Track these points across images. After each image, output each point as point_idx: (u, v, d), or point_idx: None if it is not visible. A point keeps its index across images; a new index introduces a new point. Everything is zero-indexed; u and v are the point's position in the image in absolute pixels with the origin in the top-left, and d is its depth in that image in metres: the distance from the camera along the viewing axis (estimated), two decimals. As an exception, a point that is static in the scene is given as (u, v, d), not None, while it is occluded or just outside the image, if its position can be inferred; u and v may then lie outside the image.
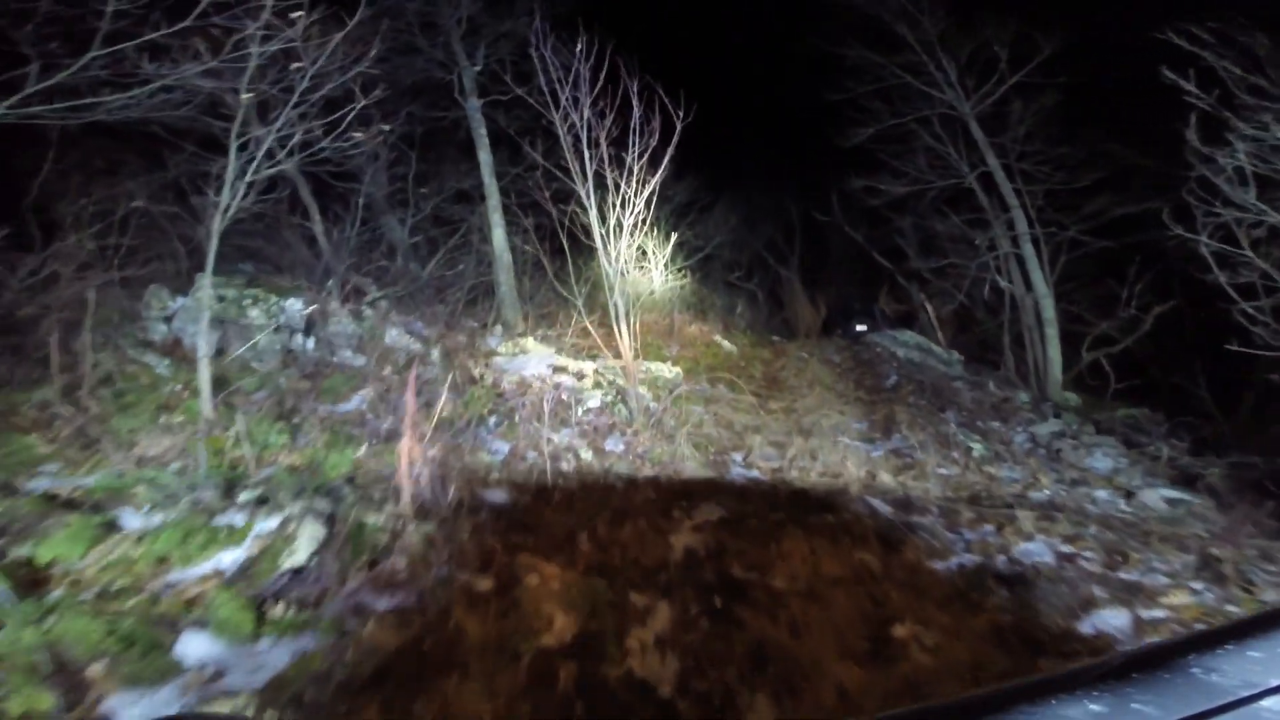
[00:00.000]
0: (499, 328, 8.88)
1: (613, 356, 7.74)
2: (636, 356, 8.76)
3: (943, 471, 7.00)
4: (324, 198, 10.06)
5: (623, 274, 6.97)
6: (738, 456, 6.56)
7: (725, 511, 4.66)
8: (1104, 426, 10.16)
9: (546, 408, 5.63)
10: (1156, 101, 11.69)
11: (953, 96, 13.55)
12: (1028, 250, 13.47)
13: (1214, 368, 10.81)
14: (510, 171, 11.44)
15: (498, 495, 4.21)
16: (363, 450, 4.61)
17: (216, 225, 4.67)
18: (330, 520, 3.37)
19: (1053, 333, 13.39)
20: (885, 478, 6.30)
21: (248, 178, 4.84)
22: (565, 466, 4.95)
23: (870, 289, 21.79)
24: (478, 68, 10.89)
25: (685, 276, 15.90)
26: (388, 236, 11.82)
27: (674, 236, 16.79)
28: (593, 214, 6.25)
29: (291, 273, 8.44)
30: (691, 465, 5.58)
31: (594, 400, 6.42)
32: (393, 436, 4.69)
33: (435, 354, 7.06)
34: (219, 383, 5.53)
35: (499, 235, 10.66)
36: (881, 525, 4.77)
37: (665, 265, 16.58)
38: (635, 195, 6.27)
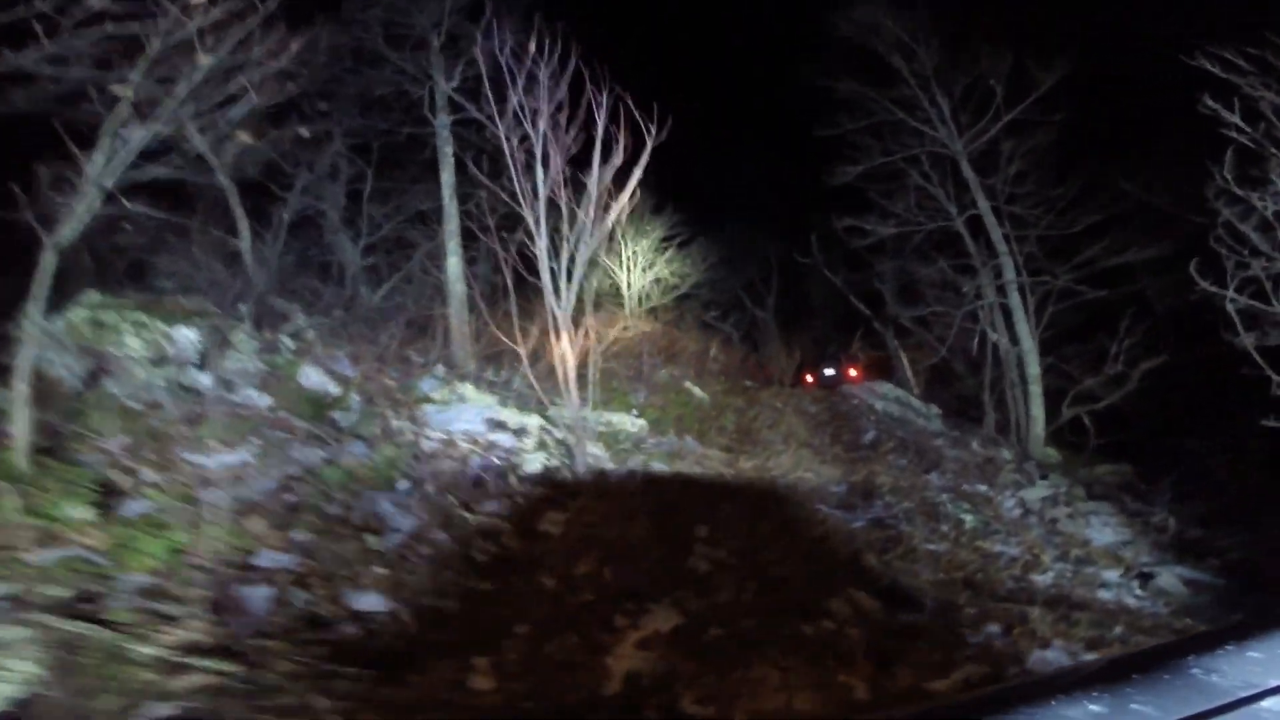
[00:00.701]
0: (440, 368, 7.94)
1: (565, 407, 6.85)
2: (595, 408, 7.89)
3: (931, 548, 6.15)
4: (266, 214, 9.12)
5: (584, 311, 6.15)
6: (704, 530, 5.67)
7: (681, 616, 3.74)
8: (1096, 490, 9.46)
9: (469, 475, 4.69)
10: (1160, 143, 11.34)
11: (945, 134, 13.06)
12: (1014, 300, 12.91)
13: (1218, 428, 10.19)
14: (476, 194, 10.58)
15: (371, 601, 3.24)
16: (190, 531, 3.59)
17: (61, 234, 3.75)
18: (72, 648, 2.38)
19: (1036, 389, 12.80)
20: (870, 559, 5.43)
21: (109, 182, 3.94)
22: (480, 556, 3.99)
23: (846, 335, 21.44)
24: (454, 84, 9.98)
25: (656, 319, 15.16)
26: (338, 257, 10.92)
27: (647, 274, 16.20)
28: (541, 245, 5.39)
29: (205, 294, 7.44)
30: (642, 549, 4.66)
31: (535, 464, 5.48)
32: (255, 509, 3.72)
33: (354, 399, 6.09)
34: (64, 430, 4.53)
35: (454, 264, 9.77)
36: (869, 632, 3.87)
37: (640, 302, 15.90)
38: (595, 224, 5.44)
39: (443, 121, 10.21)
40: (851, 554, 5.52)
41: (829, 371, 21.02)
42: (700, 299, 19.17)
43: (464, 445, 5.28)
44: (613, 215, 5.46)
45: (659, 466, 7.31)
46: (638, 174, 5.52)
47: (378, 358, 7.41)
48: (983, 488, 8.90)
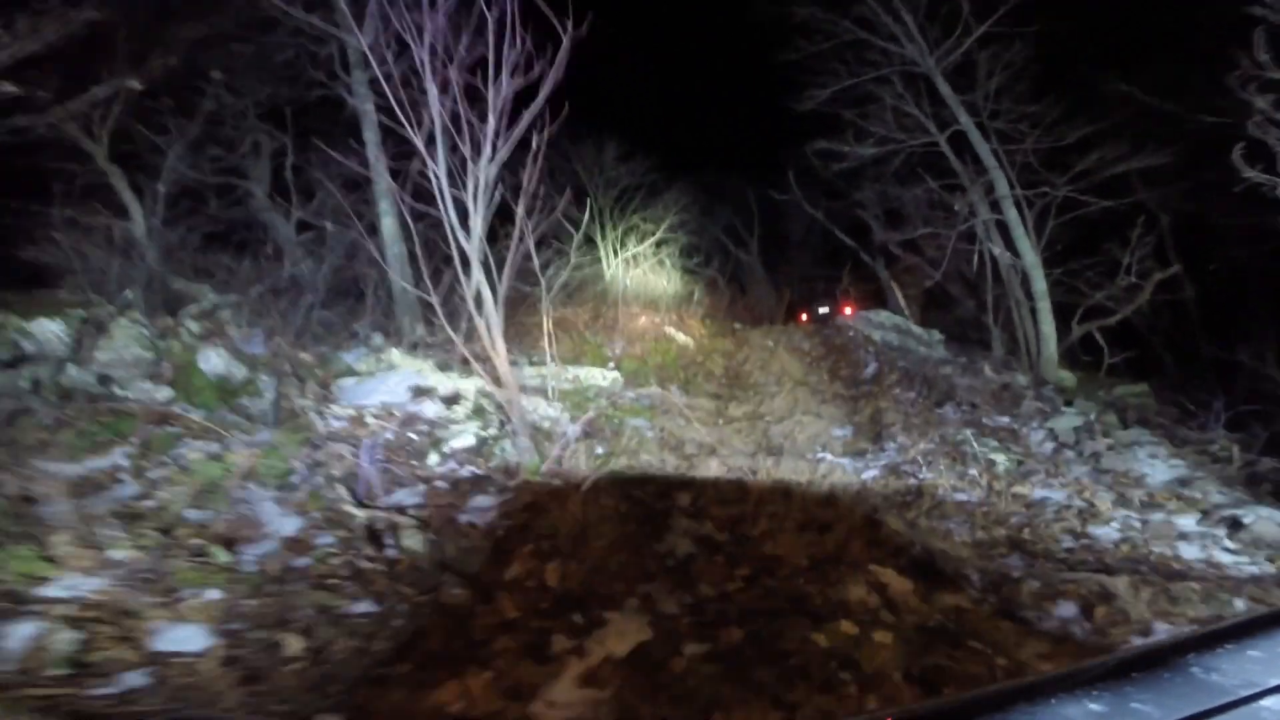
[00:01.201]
0: (378, 337, 6.87)
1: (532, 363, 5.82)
2: (556, 362, 6.85)
3: (962, 498, 5.20)
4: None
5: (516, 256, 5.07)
6: (685, 498, 4.69)
7: (648, 628, 2.77)
8: (1130, 416, 8.46)
9: (364, 457, 3.66)
10: (1156, 49, 10.24)
11: (914, 51, 11.82)
12: (1011, 215, 11.80)
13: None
14: (412, 152, 9.42)
15: (183, 638, 2.22)
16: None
17: None
18: None
19: (1045, 305, 11.75)
20: (891, 519, 4.47)
21: None
22: (366, 564, 2.97)
23: (834, 270, 20.56)
24: (369, 40, 8.58)
25: (627, 265, 14.15)
26: (264, 234, 9.97)
27: (620, 224, 15.20)
28: (440, 170, 4.25)
29: (90, 284, 6.39)
30: (603, 531, 3.67)
31: (465, 437, 4.45)
32: (82, 522, 2.72)
33: (264, 381, 5.05)
34: None
35: (388, 225, 8.66)
36: (900, 635, 2.89)
37: (615, 252, 14.85)
38: (499, 138, 4.32)
39: (358, 78, 8.95)
40: (867, 514, 4.56)
41: (823, 309, 20.24)
42: (679, 245, 18.22)
43: (374, 422, 4.25)
44: (523, 124, 4.35)
45: (636, 422, 6.32)
46: (554, 76, 4.40)
47: (296, 332, 6.34)
48: (1005, 420, 7.91)
